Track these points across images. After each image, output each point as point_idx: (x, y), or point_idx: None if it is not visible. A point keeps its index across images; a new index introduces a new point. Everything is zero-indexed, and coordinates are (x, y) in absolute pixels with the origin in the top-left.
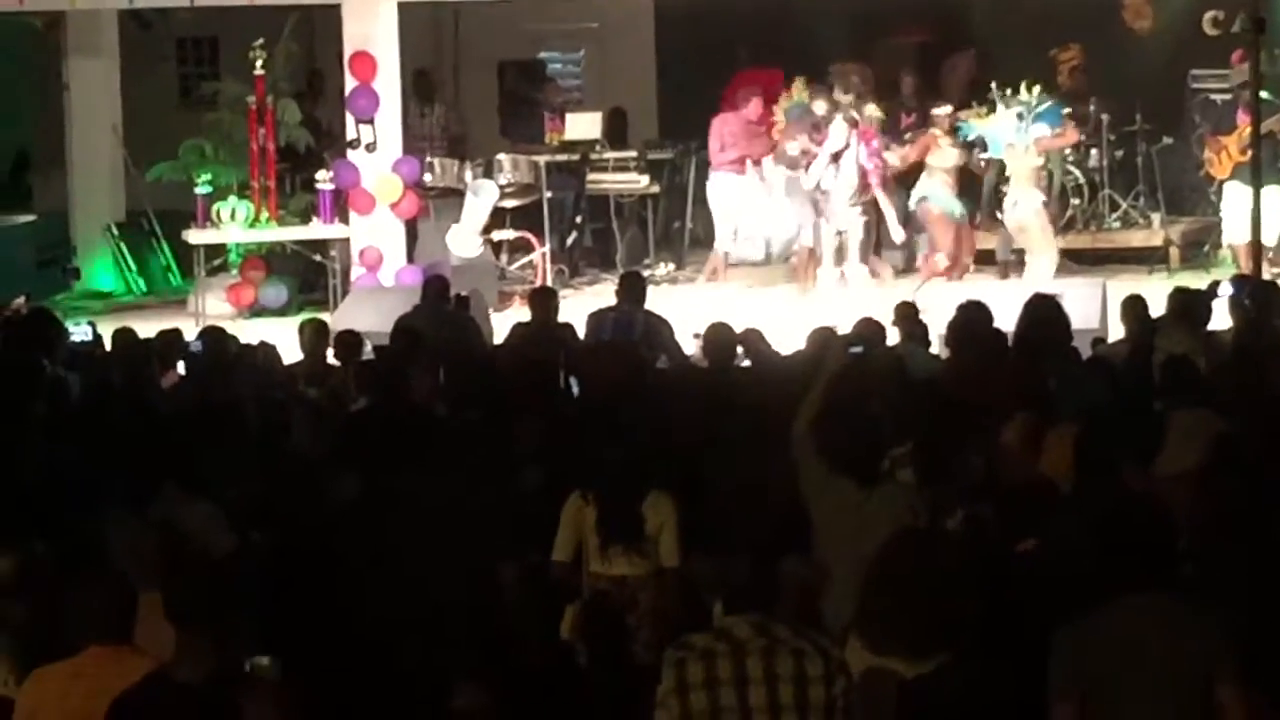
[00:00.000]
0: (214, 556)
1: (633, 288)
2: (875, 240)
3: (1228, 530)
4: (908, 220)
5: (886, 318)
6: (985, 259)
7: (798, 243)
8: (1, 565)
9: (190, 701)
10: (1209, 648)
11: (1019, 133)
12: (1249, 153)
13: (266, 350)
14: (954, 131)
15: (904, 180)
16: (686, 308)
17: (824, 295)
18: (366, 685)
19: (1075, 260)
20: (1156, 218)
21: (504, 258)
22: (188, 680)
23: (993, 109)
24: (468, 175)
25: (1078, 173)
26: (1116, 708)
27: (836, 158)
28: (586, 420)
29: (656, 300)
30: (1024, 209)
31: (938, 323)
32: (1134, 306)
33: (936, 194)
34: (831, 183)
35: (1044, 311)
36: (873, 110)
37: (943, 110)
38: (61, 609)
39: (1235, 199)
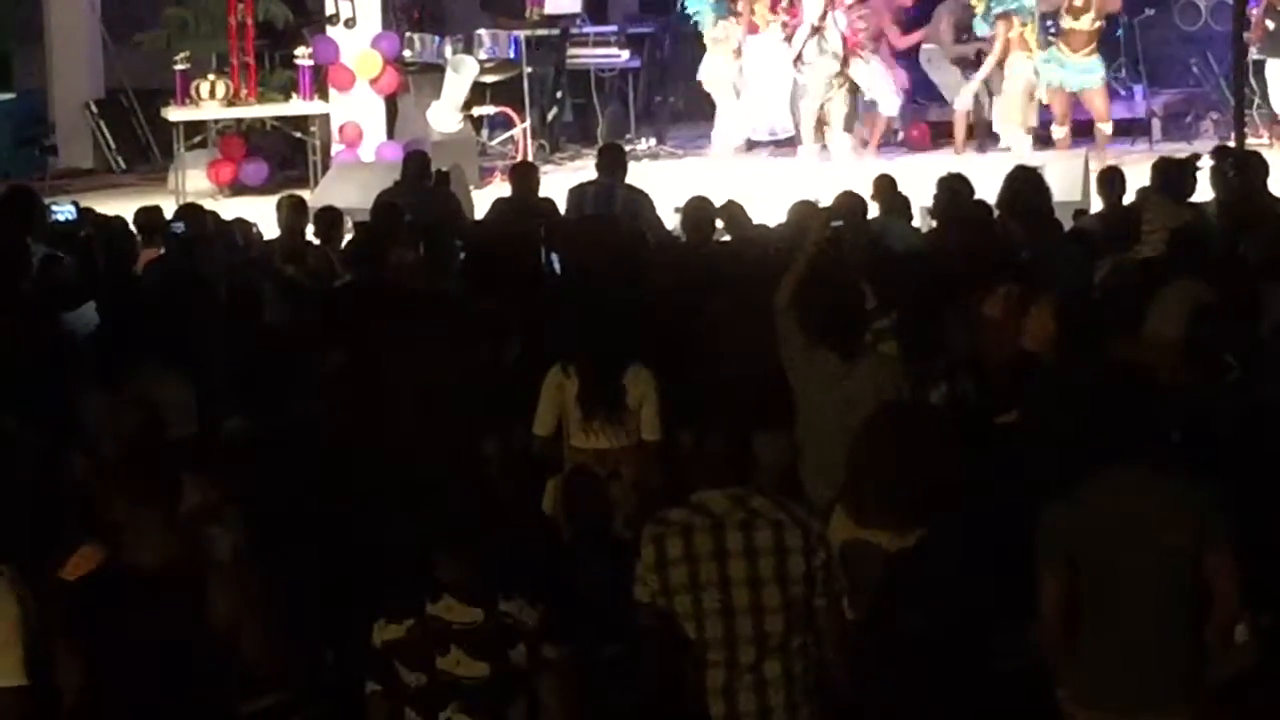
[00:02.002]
0: (172, 438)
1: (613, 160)
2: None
3: (1213, 399)
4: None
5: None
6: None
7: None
8: None
9: (148, 586)
10: (1196, 517)
11: None
12: (1268, 24)
13: (245, 227)
14: None
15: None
16: (666, 182)
17: (807, 169)
18: (346, 560)
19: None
20: (1139, 89)
21: (484, 133)
22: (144, 564)
23: None
24: (447, 50)
25: None
26: (1105, 579)
27: (818, 30)
28: (567, 294)
29: (638, 175)
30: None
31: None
32: (1110, 178)
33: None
34: (814, 55)
35: (1026, 183)
36: None
37: None
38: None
39: (1271, 73)
